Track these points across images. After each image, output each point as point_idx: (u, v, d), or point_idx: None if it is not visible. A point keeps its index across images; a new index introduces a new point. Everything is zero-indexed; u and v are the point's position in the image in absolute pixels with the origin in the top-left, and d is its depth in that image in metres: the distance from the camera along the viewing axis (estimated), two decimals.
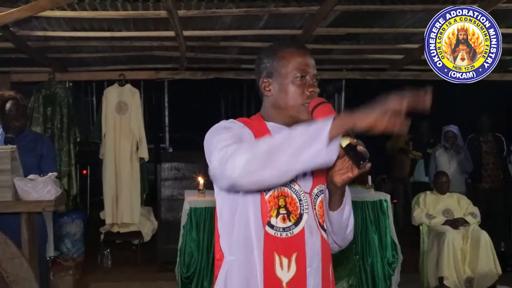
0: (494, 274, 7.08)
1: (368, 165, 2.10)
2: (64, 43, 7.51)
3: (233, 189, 2.23)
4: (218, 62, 9.05)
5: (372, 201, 6.66)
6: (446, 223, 7.43)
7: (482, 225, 7.54)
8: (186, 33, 7.02)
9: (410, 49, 7.98)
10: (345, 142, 2.10)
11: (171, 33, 6.97)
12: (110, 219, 8.68)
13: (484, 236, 7.14)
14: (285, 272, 2.29)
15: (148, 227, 8.92)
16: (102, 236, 8.84)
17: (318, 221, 2.37)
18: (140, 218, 8.77)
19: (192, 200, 6.43)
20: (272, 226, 2.29)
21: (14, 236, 4.51)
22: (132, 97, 8.68)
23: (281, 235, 2.29)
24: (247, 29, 7.20)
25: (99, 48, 7.95)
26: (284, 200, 2.31)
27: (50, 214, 6.92)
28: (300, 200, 2.33)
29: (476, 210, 7.63)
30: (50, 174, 4.83)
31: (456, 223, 7.39)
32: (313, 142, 1.94)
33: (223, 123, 2.38)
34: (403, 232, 9.21)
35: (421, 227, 7.72)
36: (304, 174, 2.36)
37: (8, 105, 5.34)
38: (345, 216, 2.38)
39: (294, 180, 2.31)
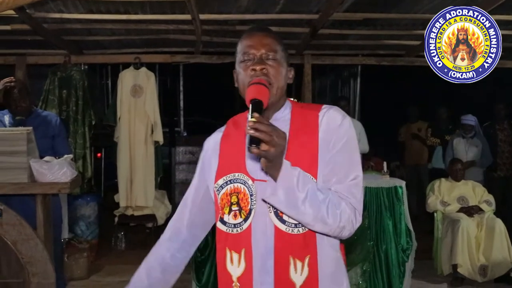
0: (508, 262, 7.06)
1: (254, 150, 2.00)
2: (80, 26, 7.51)
3: None
4: (234, 46, 8.96)
5: (387, 188, 6.63)
6: (461, 210, 7.42)
7: (497, 213, 7.51)
8: (202, 16, 7.00)
9: None
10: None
11: (187, 17, 6.95)
12: (124, 202, 8.70)
13: (499, 224, 7.11)
14: (235, 267, 2.33)
15: (162, 211, 8.95)
16: (116, 219, 8.87)
17: (276, 211, 2.25)
18: (154, 202, 8.79)
19: None
20: (224, 223, 2.35)
21: (29, 217, 4.53)
22: (147, 80, 8.68)
23: (232, 231, 2.33)
24: (264, 13, 7.18)
25: (115, 31, 7.94)
26: (237, 196, 2.32)
27: (65, 196, 6.97)
28: (251, 195, 2.30)
29: (491, 198, 7.60)
30: (65, 156, 4.85)
31: (470, 210, 7.37)
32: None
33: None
34: (417, 219, 9.19)
35: (435, 214, 7.71)
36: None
37: (11, 89, 5.39)
38: (284, 202, 2.14)
39: (249, 175, 2.32)
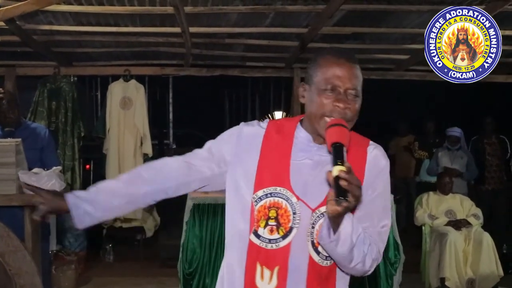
0: (496, 276, 7.08)
1: (344, 204, 1.94)
2: (69, 38, 7.52)
3: None
4: (223, 59, 9.05)
5: None
6: (449, 224, 7.43)
7: (485, 227, 7.54)
8: (192, 29, 7.02)
9: (416, 49, 7.96)
10: (335, 172, 1.97)
11: (177, 29, 6.97)
12: None
13: (486, 238, 7.13)
14: (265, 283, 2.27)
15: (150, 223, 8.94)
16: (104, 231, 8.85)
17: (313, 241, 2.25)
18: (143, 214, 8.77)
19: (195, 196, 6.42)
20: (258, 236, 2.26)
21: (17, 229, 4.52)
22: (136, 92, 8.68)
23: (266, 246, 2.25)
24: (253, 27, 7.21)
25: (104, 43, 7.95)
26: (276, 211, 2.25)
27: None
28: (294, 213, 2.24)
29: (479, 211, 7.62)
30: (54, 168, 4.84)
31: (458, 224, 7.38)
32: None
33: (230, 130, 2.44)
34: (405, 232, 9.21)
35: (423, 227, 7.72)
36: (316, 189, 2.24)
37: (0, 101, 5.39)
38: (341, 250, 2.13)
39: (294, 192, 2.25)
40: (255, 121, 2.44)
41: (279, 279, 2.25)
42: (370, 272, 2.28)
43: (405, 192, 10.82)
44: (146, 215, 8.89)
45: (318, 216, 2.24)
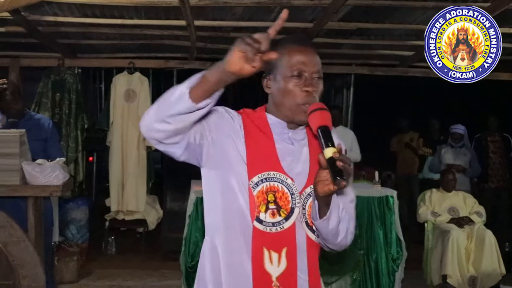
0: (498, 274, 7.07)
1: (343, 183, 2.01)
2: (74, 29, 7.50)
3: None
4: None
5: (378, 197, 6.65)
6: (451, 221, 7.43)
7: (487, 225, 7.54)
8: (197, 22, 7.01)
9: (420, 46, 7.90)
10: (328, 153, 2.05)
11: (182, 22, 6.95)
12: (115, 206, 8.69)
13: (489, 236, 7.13)
14: (275, 266, 2.31)
15: (153, 216, 8.93)
16: (107, 223, 8.85)
17: (306, 220, 2.35)
18: (146, 207, 8.77)
19: (198, 189, 6.41)
20: (260, 221, 2.30)
21: (21, 220, 4.53)
22: (141, 85, 8.68)
23: (270, 230, 2.30)
24: (258, 21, 7.19)
25: (109, 35, 7.93)
26: (274, 195, 2.31)
27: (56, 199, 6.96)
28: (292, 194, 2.32)
29: (481, 209, 7.62)
30: (58, 159, 4.85)
31: (461, 221, 7.38)
32: (180, 86, 2.09)
33: (222, 110, 2.42)
34: (407, 229, 9.21)
35: (426, 224, 7.72)
36: (299, 172, 2.36)
37: (3, 92, 5.40)
38: (332, 225, 2.26)
39: (287, 174, 2.33)
40: (231, 110, 2.45)
41: (288, 260, 2.31)
42: (347, 246, 2.44)
43: (408, 189, 10.79)
44: (149, 208, 8.88)
45: (305, 197, 2.35)
